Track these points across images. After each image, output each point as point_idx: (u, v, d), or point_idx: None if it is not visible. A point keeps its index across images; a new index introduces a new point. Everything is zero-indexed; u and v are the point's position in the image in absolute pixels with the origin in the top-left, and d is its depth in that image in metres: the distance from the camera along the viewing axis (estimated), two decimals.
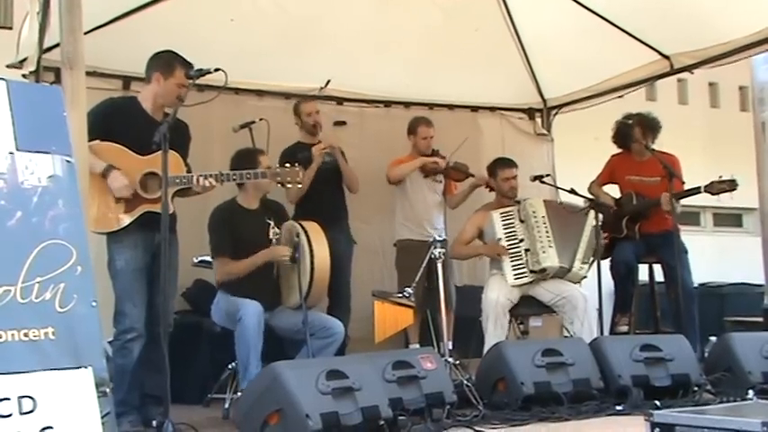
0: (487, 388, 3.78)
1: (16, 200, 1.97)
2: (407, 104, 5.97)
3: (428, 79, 5.66)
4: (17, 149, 2.03)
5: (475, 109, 6.19)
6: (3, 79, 2.13)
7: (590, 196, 5.19)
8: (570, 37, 5.30)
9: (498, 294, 4.62)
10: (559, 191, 5.37)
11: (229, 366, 4.24)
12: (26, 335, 1.86)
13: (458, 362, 4.31)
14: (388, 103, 5.96)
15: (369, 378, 3.19)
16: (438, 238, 4.32)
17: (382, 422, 3.10)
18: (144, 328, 3.60)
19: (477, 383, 3.84)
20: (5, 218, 1.94)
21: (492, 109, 6.26)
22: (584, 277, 4.87)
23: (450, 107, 6.04)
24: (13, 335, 1.84)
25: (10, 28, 5.34)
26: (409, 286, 4.25)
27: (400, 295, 4.23)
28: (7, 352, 1.81)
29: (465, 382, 3.80)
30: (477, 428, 3.33)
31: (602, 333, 4.73)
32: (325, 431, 2.91)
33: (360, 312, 4.97)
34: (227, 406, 4.03)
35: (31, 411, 1.78)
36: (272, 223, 4.14)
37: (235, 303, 3.99)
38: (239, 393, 3.96)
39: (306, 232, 4.10)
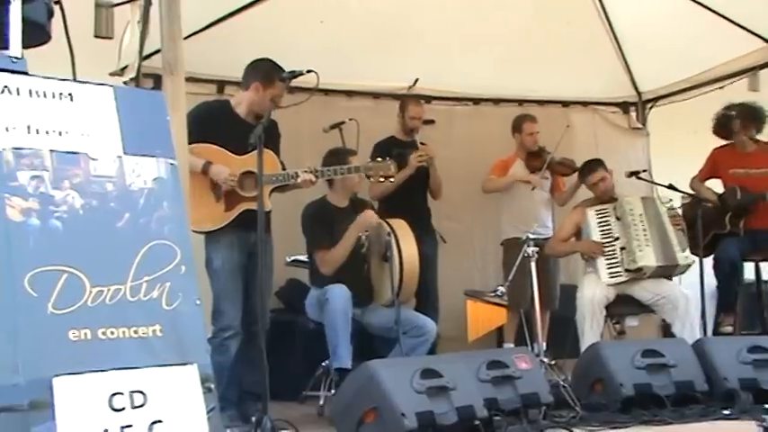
0: (584, 389, 3.69)
1: (124, 202, 2.03)
2: (497, 101, 5.90)
3: (518, 75, 5.57)
4: (124, 153, 2.10)
5: (566, 104, 6.06)
6: (110, 86, 2.22)
7: (690, 192, 4.99)
8: (667, 26, 5.10)
9: (594, 291, 4.50)
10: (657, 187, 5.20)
11: (323, 364, 4.29)
12: (135, 332, 1.92)
13: (553, 362, 4.23)
14: (476, 101, 5.91)
15: (463, 378, 3.17)
16: (531, 237, 4.25)
17: (477, 422, 3.06)
18: (241, 326, 3.68)
19: (574, 384, 3.75)
20: (115, 219, 2.00)
21: (584, 104, 6.11)
22: (690, 265, 4.68)
23: (541, 103, 5.92)
24: (123, 332, 1.90)
25: (111, 38, 5.56)
26: (502, 285, 4.20)
27: (493, 294, 4.19)
28: (119, 348, 1.87)
29: (561, 382, 3.72)
30: (575, 430, 3.26)
31: (705, 334, 4.55)
32: (421, 430, 2.90)
33: (451, 311, 4.94)
34: (321, 403, 4.08)
35: (142, 405, 1.83)
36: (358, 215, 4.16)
37: (323, 290, 4.03)
38: (333, 391, 4.00)
39: (393, 230, 4.11)
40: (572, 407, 3.52)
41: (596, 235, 4.67)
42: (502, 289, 4.17)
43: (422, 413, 2.92)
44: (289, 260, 4.81)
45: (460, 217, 5.60)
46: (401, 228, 4.09)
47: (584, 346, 4.25)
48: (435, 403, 2.99)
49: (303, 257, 4.66)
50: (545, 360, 4.10)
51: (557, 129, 5.44)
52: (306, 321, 4.38)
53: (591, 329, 4.42)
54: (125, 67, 4.46)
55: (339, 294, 3.90)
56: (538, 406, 3.36)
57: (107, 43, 4.03)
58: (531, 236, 4.26)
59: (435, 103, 5.73)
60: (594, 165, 4.92)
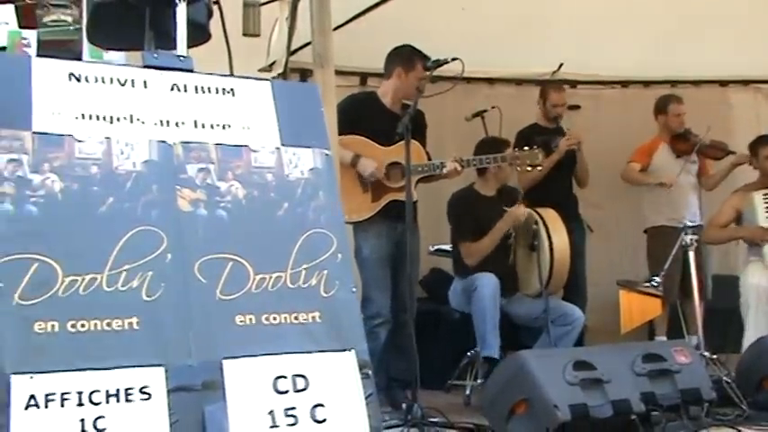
0: (750, 386, 3.45)
1: (283, 192, 2.10)
2: (647, 83, 5.64)
3: (669, 54, 5.26)
4: (282, 145, 2.17)
5: (724, 83, 5.70)
6: (268, 80, 2.30)
7: None
8: None
9: (760, 279, 4.21)
10: None
11: (468, 353, 4.28)
12: (296, 318, 1.97)
13: (714, 356, 4.00)
14: (625, 84, 5.68)
15: (618, 370, 3.04)
16: (690, 224, 4.03)
17: (634, 417, 2.94)
18: (389, 313, 3.73)
19: (738, 381, 3.52)
20: (275, 209, 2.07)
21: (744, 82, 5.73)
22: None
23: (696, 83, 5.60)
24: (285, 318, 1.96)
25: (258, 35, 5.79)
26: (657, 275, 4.01)
27: (648, 284, 4.01)
28: (281, 334, 1.93)
29: (724, 378, 3.51)
30: (741, 429, 3.06)
31: None
32: (574, 423, 2.82)
33: (598, 302, 4.79)
34: (468, 392, 4.07)
35: (304, 389, 1.89)
36: (508, 210, 4.10)
37: (470, 279, 4.00)
38: (479, 381, 3.99)
39: (543, 220, 4.03)
40: (737, 404, 3.32)
41: (764, 220, 4.36)
42: (657, 279, 3.98)
43: (575, 405, 2.82)
44: (432, 249, 4.84)
45: (608, 205, 5.41)
46: (551, 218, 4.01)
47: (748, 338, 4.00)
48: (589, 396, 2.89)
49: (446, 247, 4.67)
50: (705, 354, 3.88)
51: (714, 110, 5.13)
52: (450, 310, 4.39)
53: (756, 321, 4.14)
54: (273, 63, 4.63)
55: (488, 282, 3.87)
56: (699, 402, 3.17)
57: (254, 41, 4.18)
58: (689, 223, 4.04)
59: (581, 88, 5.56)
60: None
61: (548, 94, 4.87)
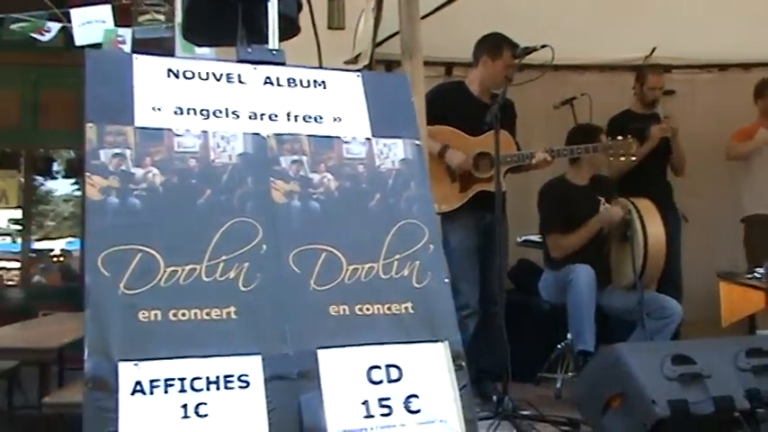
0: None
1: (375, 183, 2.10)
2: (747, 66, 5.38)
3: None
4: (373, 136, 2.17)
5: None
6: (358, 71, 2.31)
7: None
8: None
9: None
10: None
11: (558, 346, 4.20)
12: (389, 309, 1.97)
13: None
14: (723, 67, 5.44)
15: (719, 365, 2.92)
16: None
17: (737, 414, 2.82)
18: (477, 305, 3.70)
19: None
20: (367, 199, 2.08)
21: None
22: None
23: None
24: (378, 308, 1.96)
25: (343, 28, 5.83)
26: (761, 266, 3.83)
27: (750, 276, 3.84)
28: (375, 324, 1.93)
29: None
30: None
31: None
32: (673, 419, 2.73)
33: (694, 294, 4.63)
34: (558, 386, 3.99)
35: (397, 380, 1.88)
36: (602, 200, 4.00)
37: (564, 270, 3.92)
38: (571, 374, 3.91)
39: (638, 210, 3.91)
40: None
41: None
42: (761, 270, 3.80)
43: (674, 401, 2.73)
44: (520, 240, 4.77)
45: (705, 193, 5.20)
46: (646, 207, 3.90)
47: None
48: (689, 391, 2.78)
49: (534, 237, 4.60)
50: None
51: None
52: (539, 302, 4.32)
53: None
54: (358, 55, 4.65)
55: (585, 274, 3.78)
56: None
57: (338, 34, 4.20)
58: None
59: (675, 73, 5.36)
60: None
61: (645, 77, 4.73)
